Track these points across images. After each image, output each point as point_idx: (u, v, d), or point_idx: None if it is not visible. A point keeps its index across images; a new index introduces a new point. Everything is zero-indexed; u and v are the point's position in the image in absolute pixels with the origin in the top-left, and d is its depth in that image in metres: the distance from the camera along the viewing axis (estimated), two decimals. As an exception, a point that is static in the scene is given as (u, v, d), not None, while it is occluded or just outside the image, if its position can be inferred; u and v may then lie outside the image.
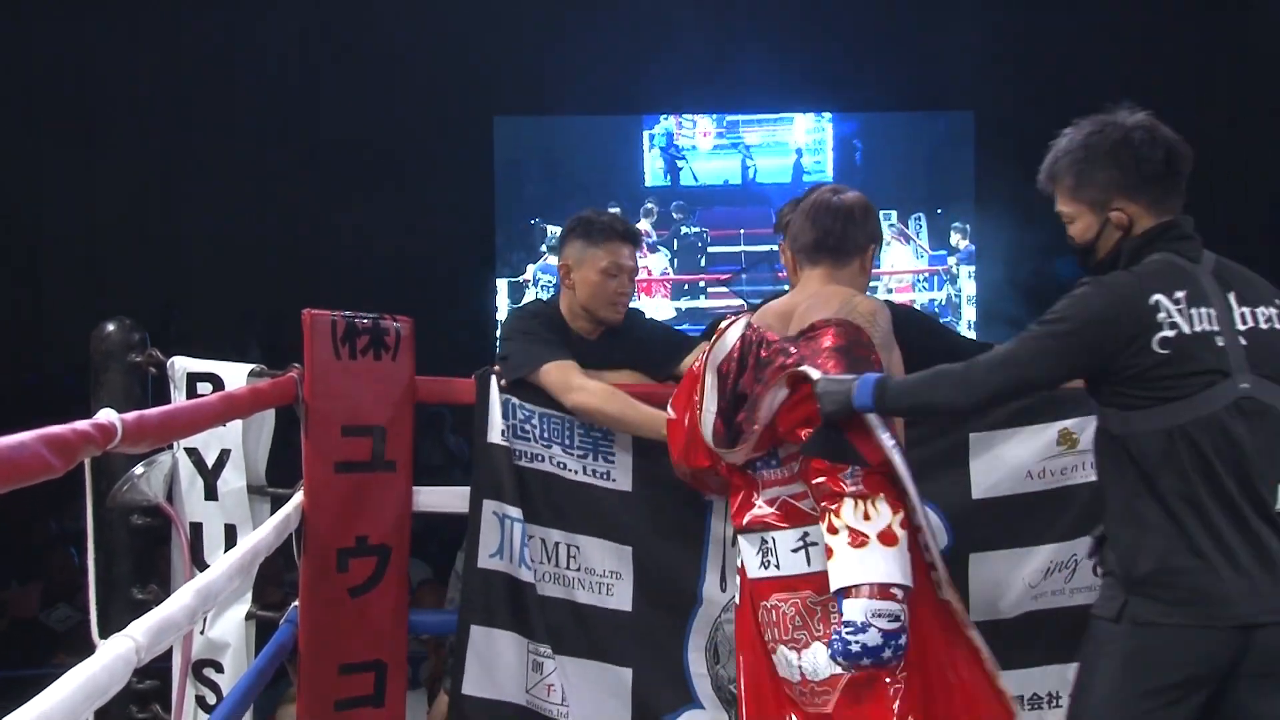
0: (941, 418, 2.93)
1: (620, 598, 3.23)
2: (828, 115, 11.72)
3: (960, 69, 10.66)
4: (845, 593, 2.44)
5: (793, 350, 2.62)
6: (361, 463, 3.08)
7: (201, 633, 3.09)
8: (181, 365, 3.06)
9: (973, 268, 11.01)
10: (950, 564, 2.78)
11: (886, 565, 2.42)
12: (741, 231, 11.21)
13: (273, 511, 3.07)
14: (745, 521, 2.72)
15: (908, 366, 2.66)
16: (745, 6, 10.90)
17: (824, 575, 2.51)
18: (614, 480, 3.23)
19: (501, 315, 11.31)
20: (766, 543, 2.67)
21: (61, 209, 10.84)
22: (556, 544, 3.23)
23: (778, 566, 2.65)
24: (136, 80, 10.95)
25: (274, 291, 10.54)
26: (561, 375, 3.19)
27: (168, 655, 2.92)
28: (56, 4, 10.51)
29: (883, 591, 2.41)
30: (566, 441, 3.22)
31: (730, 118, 11.76)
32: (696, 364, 2.83)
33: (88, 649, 2.17)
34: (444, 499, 3.37)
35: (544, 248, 11.43)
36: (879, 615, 2.40)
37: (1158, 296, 2.40)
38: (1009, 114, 10.70)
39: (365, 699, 3.13)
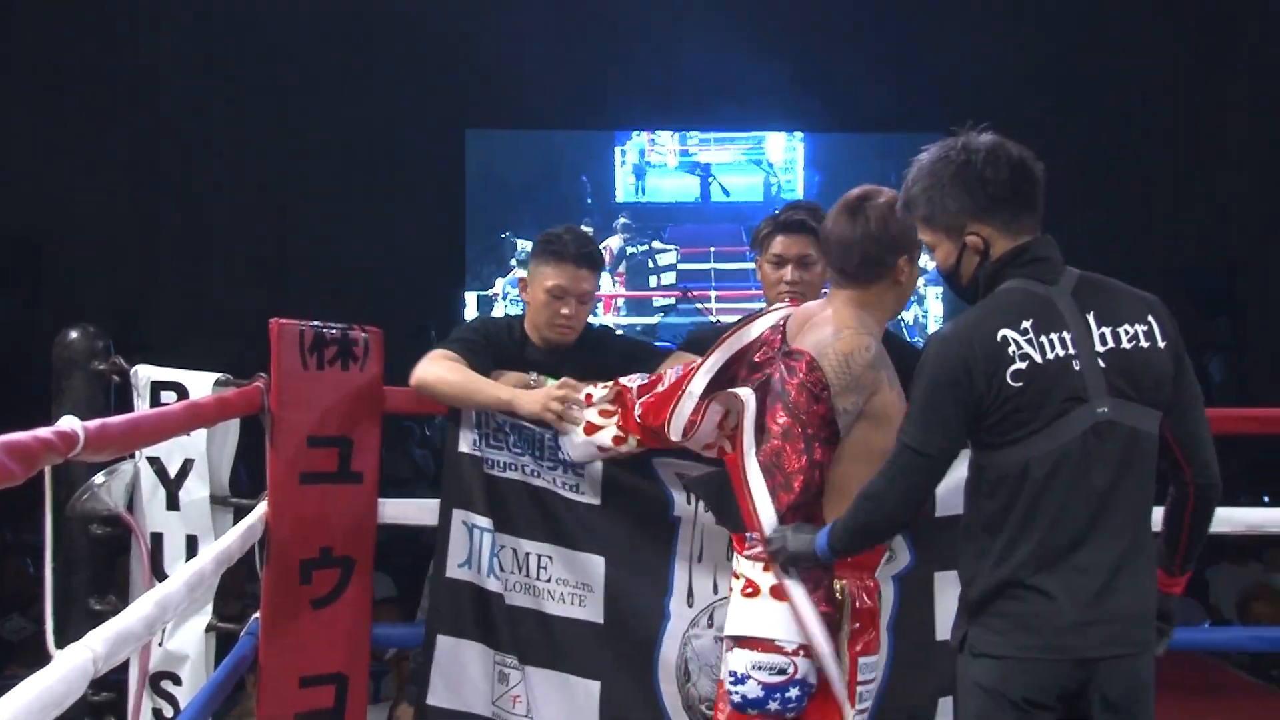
0: (893, 534, 2.71)
1: (592, 609, 3.21)
2: (799, 135, 11.77)
3: (930, 91, 10.72)
4: (735, 642, 2.51)
5: (770, 370, 2.64)
6: (327, 473, 3.06)
7: (160, 644, 3.05)
8: (146, 374, 3.03)
9: (940, 289, 11.04)
10: (914, 583, 2.77)
11: (773, 619, 2.47)
12: (711, 249, 11.23)
13: (235, 522, 3.04)
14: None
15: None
16: (721, 25, 10.92)
17: None
18: (583, 493, 3.21)
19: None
20: None
21: (27, 214, 10.75)
22: (528, 554, 3.20)
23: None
24: (105, 87, 10.90)
25: (244, 301, 10.48)
26: (426, 358, 3.17)
27: (125, 667, 2.88)
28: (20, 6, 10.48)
29: (765, 645, 2.46)
30: (537, 453, 3.19)
31: (702, 135, 11.79)
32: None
33: (42, 660, 2.14)
34: (410, 511, 3.35)
35: (514, 261, 11.42)
36: (759, 668, 2.45)
37: (1004, 331, 2.31)
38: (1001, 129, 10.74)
39: (325, 712, 3.10)
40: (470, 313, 11.38)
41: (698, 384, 2.74)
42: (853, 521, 2.43)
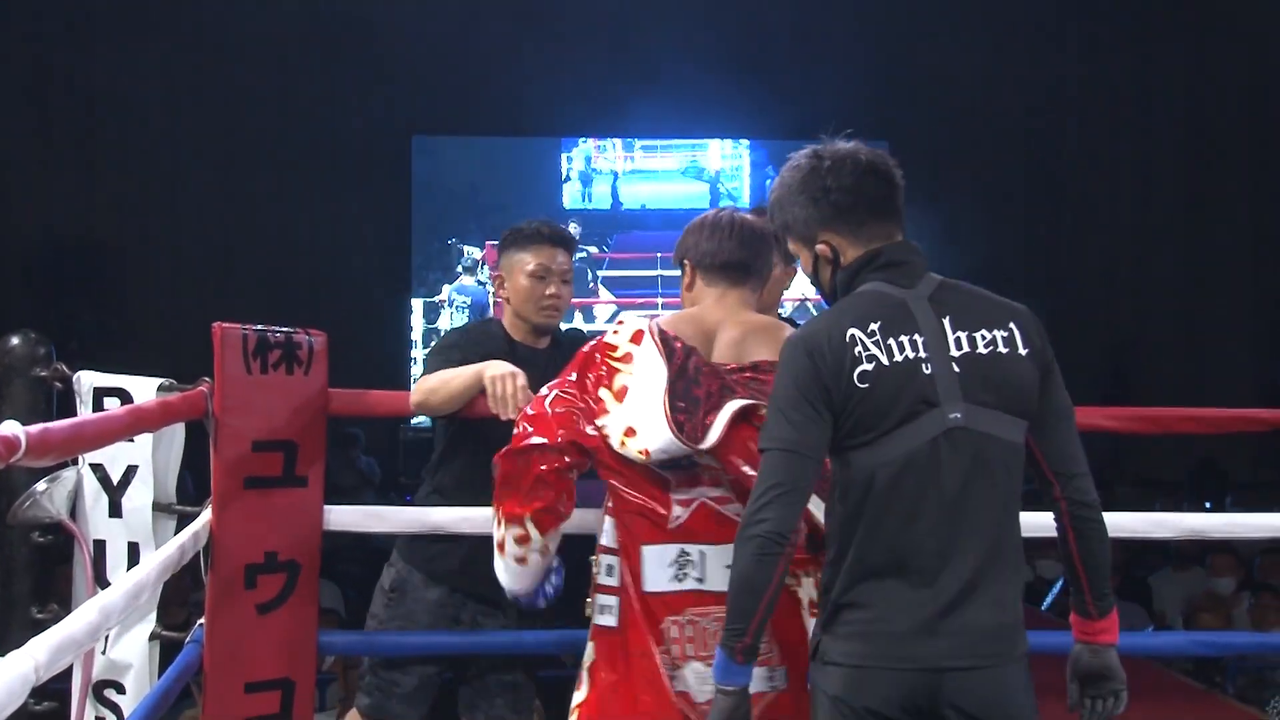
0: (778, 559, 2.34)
1: None
2: (745, 142, 11.81)
3: (874, 98, 10.80)
4: None
5: (753, 389, 2.60)
6: (272, 478, 3.04)
7: (103, 653, 3.02)
8: (88, 379, 3.00)
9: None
10: None
11: None
12: (658, 255, 11.25)
13: (179, 529, 3.01)
14: (648, 529, 2.65)
15: None
16: (664, 33, 10.97)
17: None
18: None
19: (417, 335, 11.25)
20: (687, 554, 2.62)
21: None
22: None
23: (701, 580, 2.61)
24: (41, 88, 10.81)
25: (187, 305, 10.40)
26: (418, 384, 3.20)
27: (67, 675, 2.85)
28: None
29: None
30: None
31: (646, 143, 11.82)
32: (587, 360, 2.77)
33: (-17, 668, 2.11)
34: (356, 518, 3.33)
35: (460, 268, 11.40)
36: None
37: (852, 330, 2.27)
38: (924, 142, 10.85)
39: (272, 718, 3.08)
40: (417, 319, 11.34)
41: (656, 391, 2.66)
42: (731, 579, 2.29)
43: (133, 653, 3.05)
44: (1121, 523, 3.55)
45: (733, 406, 2.56)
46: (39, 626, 2.60)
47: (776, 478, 2.24)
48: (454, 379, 3.10)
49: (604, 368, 2.73)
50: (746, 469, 2.52)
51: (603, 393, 2.70)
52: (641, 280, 11.37)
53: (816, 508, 2.47)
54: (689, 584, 2.62)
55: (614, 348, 2.74)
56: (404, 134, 11.51)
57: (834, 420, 2.26)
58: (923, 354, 2.26)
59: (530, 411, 2.76)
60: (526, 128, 11.58)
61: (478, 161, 11.66)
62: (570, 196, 11.78)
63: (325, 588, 4.91)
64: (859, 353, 2.25)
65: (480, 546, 3.04)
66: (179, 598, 5.09)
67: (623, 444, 2.62)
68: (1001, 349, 2.30)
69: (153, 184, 11.10)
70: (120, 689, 3.05)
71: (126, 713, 2.98)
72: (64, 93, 10.92)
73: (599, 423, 2.67)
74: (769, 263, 2.84)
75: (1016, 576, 2.33)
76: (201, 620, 3.05)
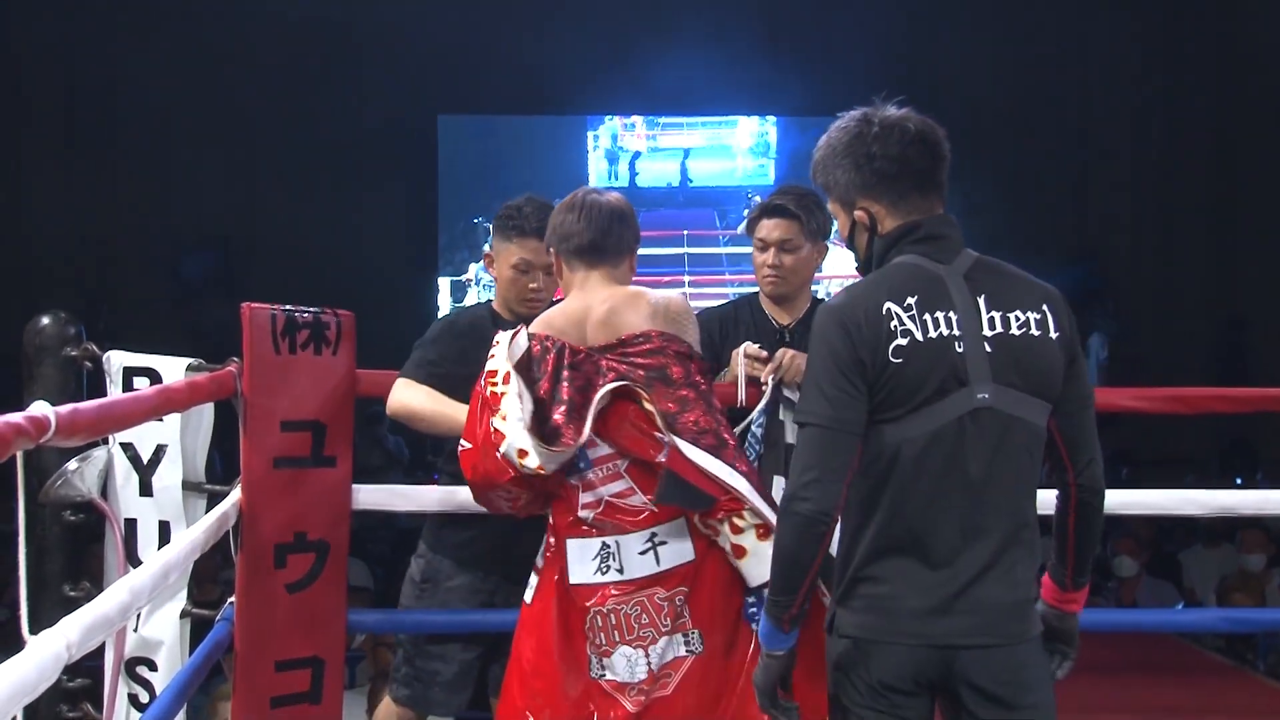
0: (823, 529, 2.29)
1: None
2: (772, 119, 11.77)
3: (903, 76, 10.74)
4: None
5: (624, 365, 2.66)
6: (301, 458, 3.05)
7: (135, 630, 3.04)
8: (118, 359, 3.01)
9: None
10: None
11: None
12: (685, 233, 11.23)
13: (209, 508, 3.03)
14: (569, 524, 2.71)
15: None
16: (691, 9, 10.93)
17: (674, 572, 2.63)
18: None
19: (444, 313, 11.28)
20: (608, 547, 2.67)
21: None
22: None
23: (621, 570, 2.66)
24: (68, 75, 10.85)
25: (215, 286, 10.46)
26: (397, 385, 3.19)
27: (99, 653, 2.87)
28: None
29: None
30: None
31: (673, 120, 11.79)
32: (480, 385, 2.77)
33: (17, 646, 2.13)
34: (385, 498, 3.35)
35: (486, 247, 11.38)
36: None
37: (888, 304, 2.24)
38: (960, 114, 10.79)
39: (302, 695, 3.10)
40: (444, 299, 11.36)
41: (516, 414, 2.69)
42: (775, 554, 2.30)
43: (164, 630, 3.07)
44: (1152, 499, 3.55)
45: (602, 393, 2.62)
46: (72, 605, 2.62)
47: (817, 455, 2.23)
48: (441, 418, 3.08)
49: (490, 395, 2.73)
50: (638, 444, 2.63)
51: (495, 423, 2.70)
52: (667, 259, 11.35)
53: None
54: (611, 575, 2.68)
55: (494, 373, 2.75)
56: (430, 114, 11.52)
57: (869, 393, 2.24)
58: (956, 331, 2.24)
59: (467, 445, 2.78)
60: (552, 106, 11.57)
61: (503, 140, 11.65)
62: (597, 174, 11.76)
63: (354, 566, 4.94)
64: (894, 327, 2.23)
65: (510, 528, 3.04)
66: (210, 575, 5.12)
67: (521, 466, 2.65)
68: (1034, 331, 2.28)
69: (177, 164, 11.13)
70: (152, 666, 3.07)
71: (159, 689, 3.00)
72: (86, 77, 10.95)
73: (501, 451, 2.67)
74: (625, 239, 2.83)
75: (1032, 558, 2.32)
76: (232, 599, 3.07)
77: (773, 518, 2.53)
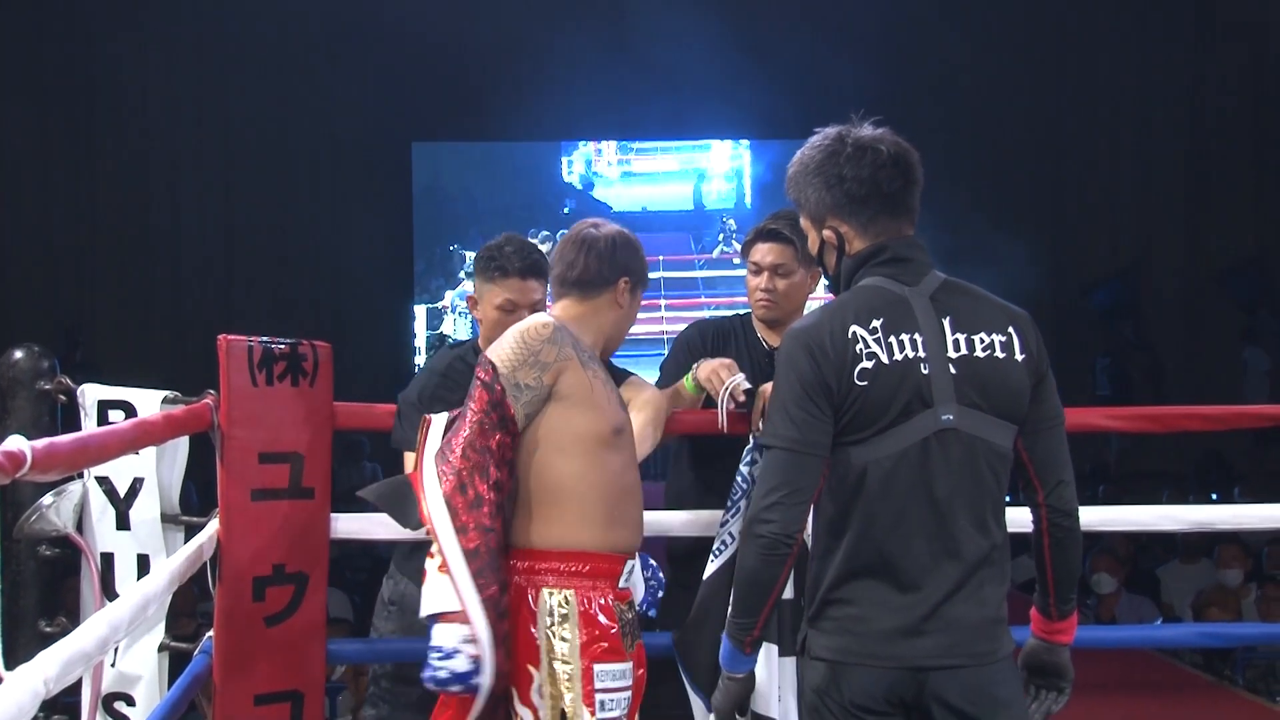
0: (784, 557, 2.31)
1: None
2: (745, 143, 11.81)
3: (879, 99, 10.77)
4: (437, 618, 2.48)
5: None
6: (279, 490, 3.04)
7: (112, 665, 3.02)
8: (93, 393, 3.00)
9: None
10: None
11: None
12: (661, 258, 11.25)
13: (187, 541, 3.01)
14: None
15: None
16: (660, 36, 10.96)
17: None
18: None
19: (420, 341, 11.26)
20: None
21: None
22: None
23: None
24: (46, 98, 10.83)
25: (191, 316, 10.42)
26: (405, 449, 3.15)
27: (77, 688, 2.85)
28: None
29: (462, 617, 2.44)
30: None
31: (646, 145, 11.82)
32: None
33: (-6, 683, 2.11)
34: (363, 525, 3.33)
35: (462, 274, 11.41)
36: (468, 641, 2.43)
37: (854, 327, 2.26)
38: (929, 141, 10.83)
39: (281, 730, 3.08)
40: (420, 325, 11.35)
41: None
42: (738, 576, 2.32)
43: (142, 664, 3.05)
44: (1129, 516, 3.56)
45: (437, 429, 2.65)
46: (48, 640, 2.60)
47: (782, 477, 2.25)
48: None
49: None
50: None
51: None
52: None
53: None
54: None
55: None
56: (404, 141, 11.53)
57: (834, 416, 2.26)
58: (921, 353, 2.26)
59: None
60: (525, 132, 11.59)
61: (478, 167, 11.68)
62: (568, 201, 11.77)
63: (333, 596, 4.91)
64: (860, 350, 2.25)
65: None
66: (188, 608, 5.09)
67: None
68: (999, 353, 2.30)
69: (153, 193, 11.11)
70: (130, 701, 3.05)
71: (137, 725, 2.98)
72: (62, 106, 10.93)
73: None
74: (591, 268, 2.75)
75: (1001, 577, 2.33)
76: (210, 633, 3.05)
77: (454, 557, 2.47)
